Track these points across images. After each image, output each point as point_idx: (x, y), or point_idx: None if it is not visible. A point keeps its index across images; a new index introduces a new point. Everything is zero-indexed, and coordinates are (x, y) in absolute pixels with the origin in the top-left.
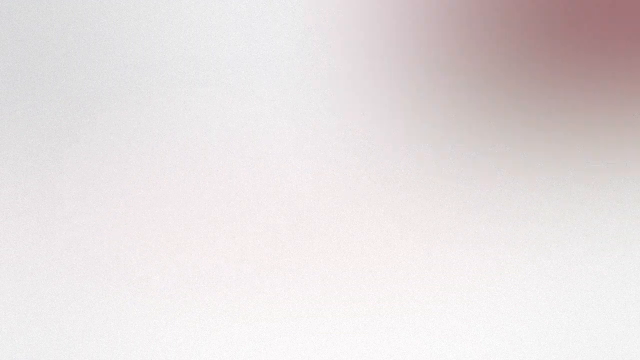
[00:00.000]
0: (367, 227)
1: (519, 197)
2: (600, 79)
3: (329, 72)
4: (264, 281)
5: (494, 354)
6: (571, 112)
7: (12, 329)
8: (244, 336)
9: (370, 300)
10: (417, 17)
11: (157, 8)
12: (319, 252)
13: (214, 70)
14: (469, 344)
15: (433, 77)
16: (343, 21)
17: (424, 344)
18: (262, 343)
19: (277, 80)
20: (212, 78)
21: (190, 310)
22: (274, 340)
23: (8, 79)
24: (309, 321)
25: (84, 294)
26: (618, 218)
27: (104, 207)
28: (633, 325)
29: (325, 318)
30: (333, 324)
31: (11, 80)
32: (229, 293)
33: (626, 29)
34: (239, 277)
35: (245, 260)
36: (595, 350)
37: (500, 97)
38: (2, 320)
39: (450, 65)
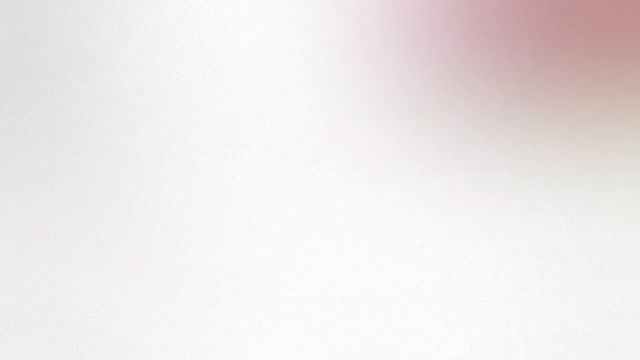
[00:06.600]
0: (369, 226)
1: (521, 197)
2: (601, 79)
3: (332, 73)
4: (266, 280)
5: (494, 353)
6: (574, 110)
7: (12, 330)
8: (247, 336)
9: (371, 299)
10: (418, 16)
11: (160, 8)
12: (321, 252)
13: (217, 69)
14: (470, 343)
15: (435, 77)
16: (345, 22)
17: (425, 344)
18: (264, 343)
19: (280, 80)
20: (215, 77)
21: (192, 310)
22: (277, 339)
23: (7, 79)
24: (309, 320)
25: (84, 292)
26: (620, 219)
27: (107, 206)
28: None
29: (326, 316)
30: (334, 322)
31: (10, 81)
32: (232, 291)
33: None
34: (242, 275)
35: (248, 260)
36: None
37: (500, 94)
38: (3, 319)
39: (453, 68)
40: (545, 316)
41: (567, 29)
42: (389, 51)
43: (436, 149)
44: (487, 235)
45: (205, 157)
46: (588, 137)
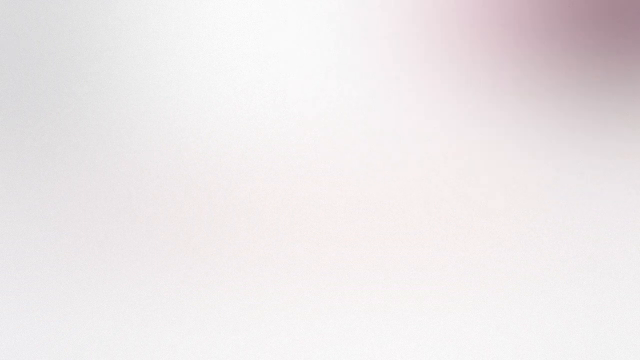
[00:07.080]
0: (369, 226)
1: (522, 196)
2: (604, 78)
3: (335, 70)
4: (266, 279)
5: (496, 354)
6: (576, 109)
7: (11, 330)
8: (248, 335)
9: (373, 299)
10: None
11: (162, 7)
12: (322, 251)
13: (217, 69)
14: (472, 343)
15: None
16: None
17: (427, 344)
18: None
19: (282, 77)
20: (215, 77)
21: (192, 310)
22: (278, 339)
23: (7, 79)
24: (309, 318)
25: (84, 291)
26: (620, 219)
27: (107, 206)
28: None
29: (328, 316)
30: (336, 322)
31: (10, 80)
32: (233, 290)
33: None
34: (242, 274)
35: (249, 259)
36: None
37: (504, 94)
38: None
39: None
40: (545, 317)
41: (571, 29)
42: (389, 51)
43: (436, 149)
44: (486, 236)
45: (205, 157)
46: (590, 135)
